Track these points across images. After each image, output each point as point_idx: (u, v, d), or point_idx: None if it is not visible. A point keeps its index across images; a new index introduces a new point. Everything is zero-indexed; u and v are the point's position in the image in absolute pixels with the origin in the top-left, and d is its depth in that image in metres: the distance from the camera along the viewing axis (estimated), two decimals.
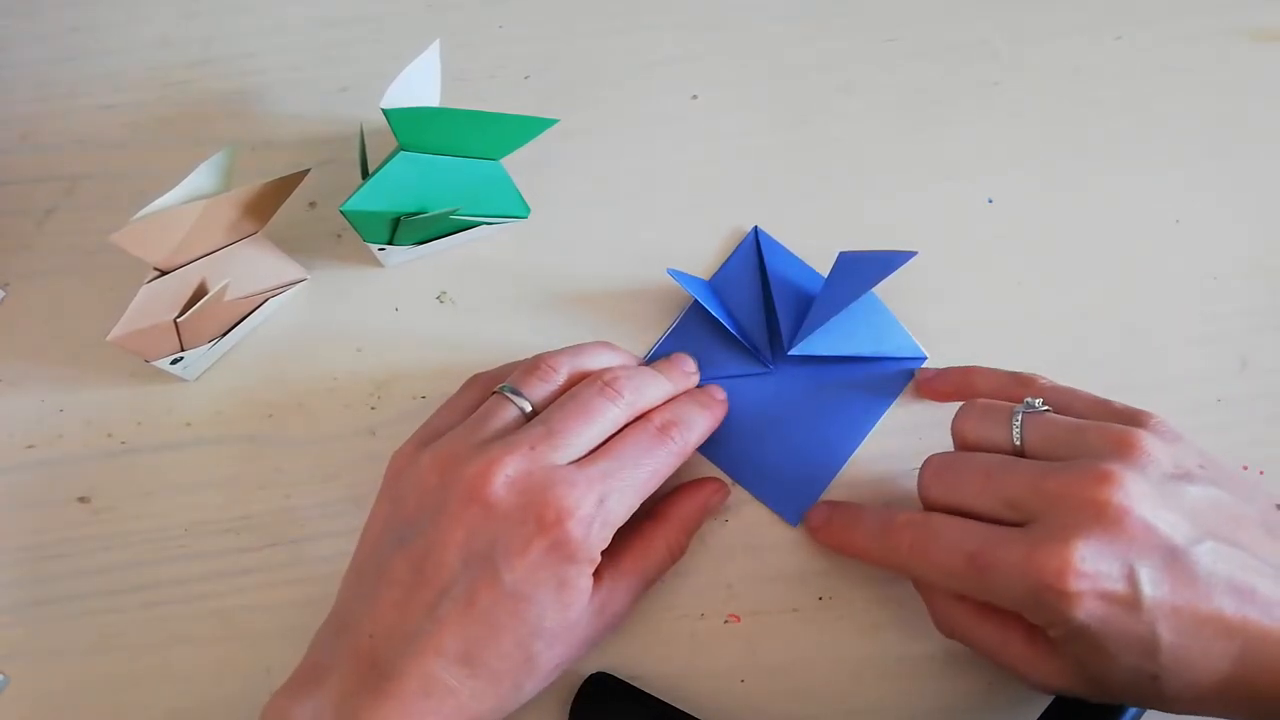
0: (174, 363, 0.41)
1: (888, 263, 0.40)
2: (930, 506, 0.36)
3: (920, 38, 0.49)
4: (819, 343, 0.41)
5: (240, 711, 0.39)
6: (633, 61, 0.48)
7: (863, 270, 0.41)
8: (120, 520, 0.42)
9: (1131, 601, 0.31)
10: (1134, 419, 0.35)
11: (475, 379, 0.40)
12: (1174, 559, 0.31)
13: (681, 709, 0.38)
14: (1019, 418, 0.35)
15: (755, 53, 0.48)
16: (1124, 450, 0.33)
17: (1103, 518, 0.31)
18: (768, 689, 0.40)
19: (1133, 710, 0.36)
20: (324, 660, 0.35)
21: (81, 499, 0.42)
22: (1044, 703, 0.38)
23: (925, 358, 0.43)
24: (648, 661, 0.40)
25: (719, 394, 0.41)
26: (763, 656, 0.40)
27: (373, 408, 0.43)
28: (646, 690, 0.39)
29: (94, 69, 0.48)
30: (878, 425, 0.42)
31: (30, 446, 0.43)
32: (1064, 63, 0.48)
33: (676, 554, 0.39)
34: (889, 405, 0.42)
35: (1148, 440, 0.33)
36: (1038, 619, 0.33)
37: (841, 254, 0.42)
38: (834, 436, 0.42)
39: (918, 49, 0.48)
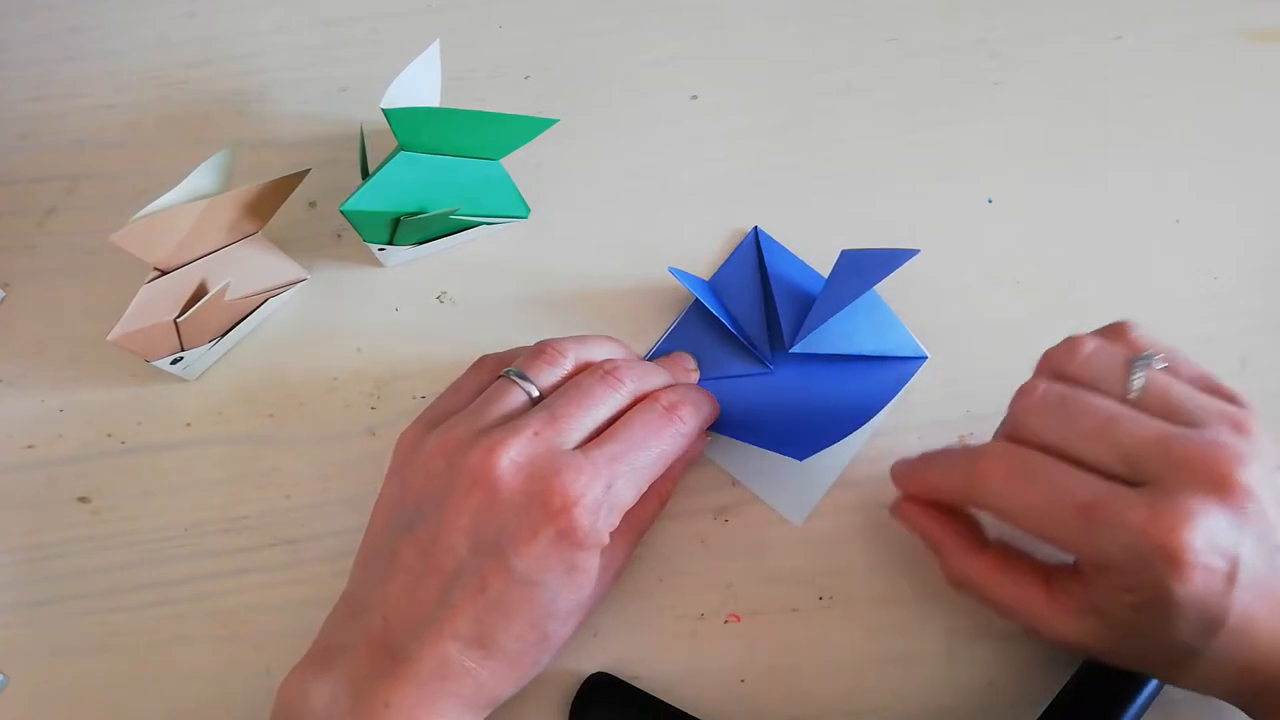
0: (174, 363, 0.41)
1: (891, 260, 0.40)
2: (1018, 436, 0.34)
3: (920, 38, 0.49)
4: (820, 341, 0.41)
5: (240, 711, 0.39)
6: (633, 61, 0.48)
7: (865, 268, 0.41)
8: (120, 520, 0.42)
9: (1229, 581, 0.30)
10: (1236, 401, 0.34)
11: (483, 360, 0.40)
12: (1274, 545, 0.31)
13: (681, 709, 0.38)
14: (1142, 371, 0.33)
15: (755, 53, 0.48)
16: (1243, 431, 0.32)
17: (1224, 490, 0.30)
18: (768, 689, 0.40)
19: (1138, 705, 0.36)
20: (338, 641, 0.35)
21: (81, 499, 0.42)
22: (1044, 703, 0.38)
23: (925, 357, 0.43)
24: (648, 661, 0.40)
25: (709, 394, 0.41)
26: (763, 656, 0.40)
27: (373, 408, 0.43)
28: (646, 690, 0.39)
29: (94, 69, 0.48)
30: (878, 424, 0.42)
31: (30, 446, 0.43)
32: (1064, 63, 0.48)
33: (665, 501, 0.40)
34: (889, 404, 0.42)
35: (1261, 427, 0.32)
36: (1128, 578, 0.31)
37: (844, 252, 0.42)
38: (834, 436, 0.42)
39: (918, 49, 0.48)
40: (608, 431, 0.36)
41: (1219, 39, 0.48)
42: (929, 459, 0.37)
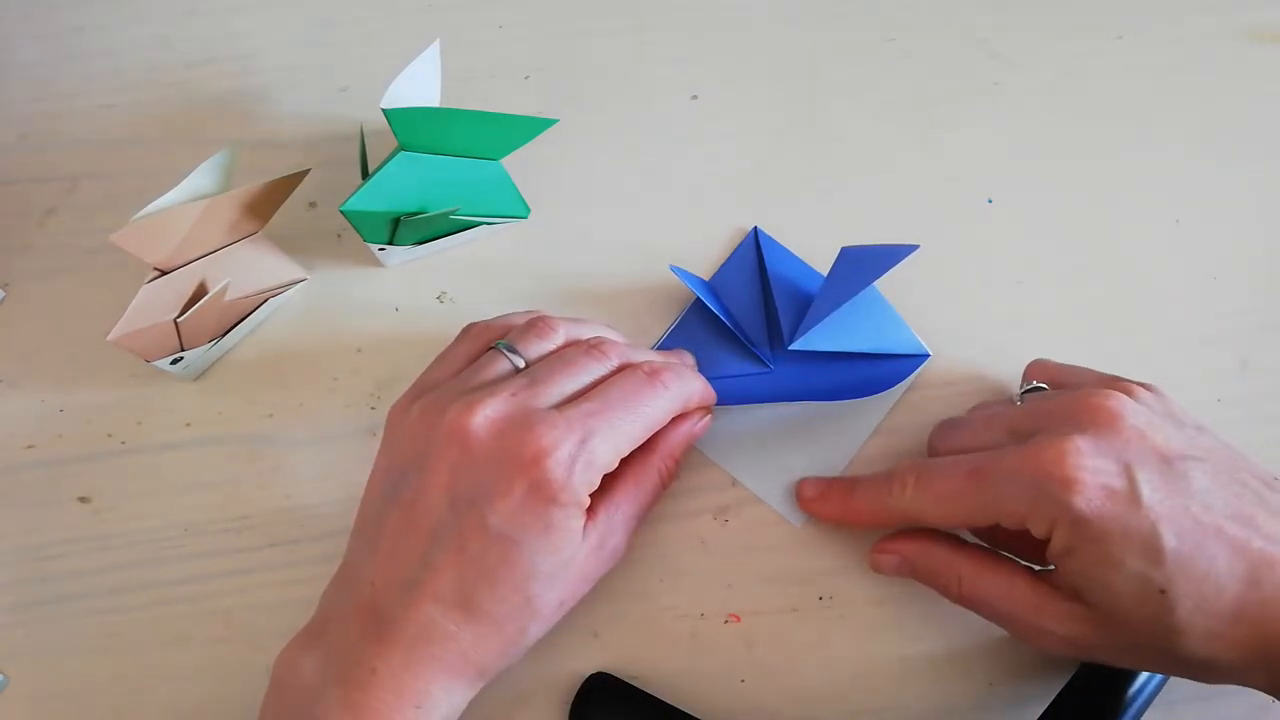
0: (174, 363, 0.41)
1: (890, 256, 0.40)
2: (937, 454, 0.39)
3: (920, 38, 0.49)
4: (820, 338, 0.41)
5: (240, 711, 0.39)
6: (633, 61, 0.48)
7: (865, 265, 0.41)
8: (120, 520, 0.42)
9: (1131, 497, 0.32)
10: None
11: (470, 328, 0.40)
12: (1168, 467, 0.32)
13: (681, 709, 0.38)
14: (1025, 391, 0.39)
15: (755, 53, 0.48)
16: (1119, 386, 0.35)
17: (1097, 421, 0.33)
18: (768, 689, 0.40)
19: (1138, 706, 0.36)
20: (331, 612, 0.35)
21: (81, 499, 0.42)
22: (1044, 703, 0.38)
23: (928, 354, 0.43)
24: (648, 661, 0.40)
25: (700, 376, 0.41)
26: (763, 656, 0.40)
27: (373, 408, 0.43)
28: (646, 690, 0.39)
29: (94, 69, 0.48)
30: (878, 424, 0.42)
31: (30, 446, 0.43)
32: (1064, 63, 0.48)
33: (668, 482, 0.39)
34: (890, 403, 0.42)
35: (1144, 392, 0.35)
36: (1040, 520, 0.33)
37: (844, 249, 0.42)
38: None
39: (918, 49, 0.48)
40: (587, 394, 0.36)
41: (1219, 39, 0.48)
42: (846, 487, 0.39)
